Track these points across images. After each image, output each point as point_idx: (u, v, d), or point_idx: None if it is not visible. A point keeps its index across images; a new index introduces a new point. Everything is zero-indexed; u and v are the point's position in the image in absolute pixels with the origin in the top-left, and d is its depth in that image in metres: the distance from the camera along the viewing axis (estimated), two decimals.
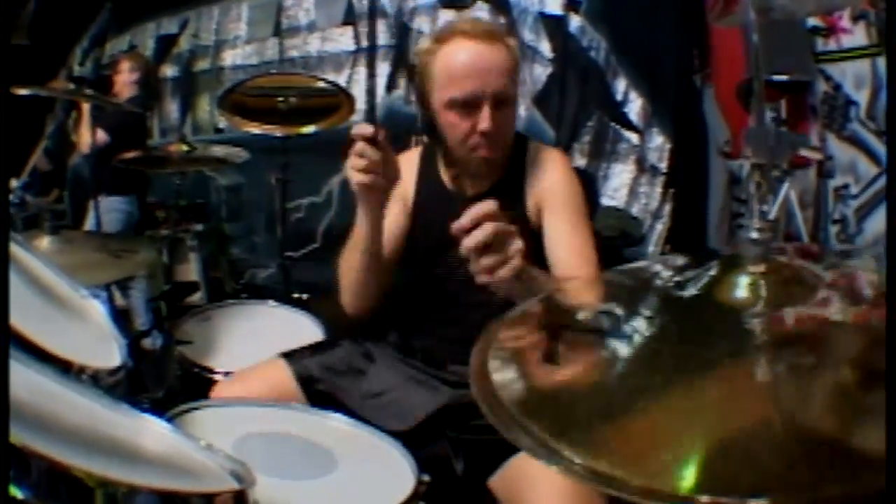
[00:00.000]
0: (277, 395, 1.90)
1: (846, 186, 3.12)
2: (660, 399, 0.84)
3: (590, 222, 2.02)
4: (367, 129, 1.73)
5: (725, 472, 0.72)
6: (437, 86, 1.91)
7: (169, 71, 5.78)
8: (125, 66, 4.71)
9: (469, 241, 1.46)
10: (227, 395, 1.93)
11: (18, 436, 0.74)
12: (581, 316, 1.09)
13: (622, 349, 0.95)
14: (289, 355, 2.05)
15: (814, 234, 3.25)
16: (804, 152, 3.21)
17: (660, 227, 4.04)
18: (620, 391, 0.89)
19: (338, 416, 1.74)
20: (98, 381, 1.25)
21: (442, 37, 1.93)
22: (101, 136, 4.28)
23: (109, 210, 4.23)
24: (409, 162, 2.10)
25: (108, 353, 1.41)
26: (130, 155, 3.60)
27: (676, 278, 1.04)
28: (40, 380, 0.99)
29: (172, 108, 5.71)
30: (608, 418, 0.83)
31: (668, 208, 4.03)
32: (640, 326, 0.98)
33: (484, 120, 1.86)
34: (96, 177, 4.04)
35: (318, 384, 1.97)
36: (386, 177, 1.78)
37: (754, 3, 1.35)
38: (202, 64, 5.56)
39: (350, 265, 1.96)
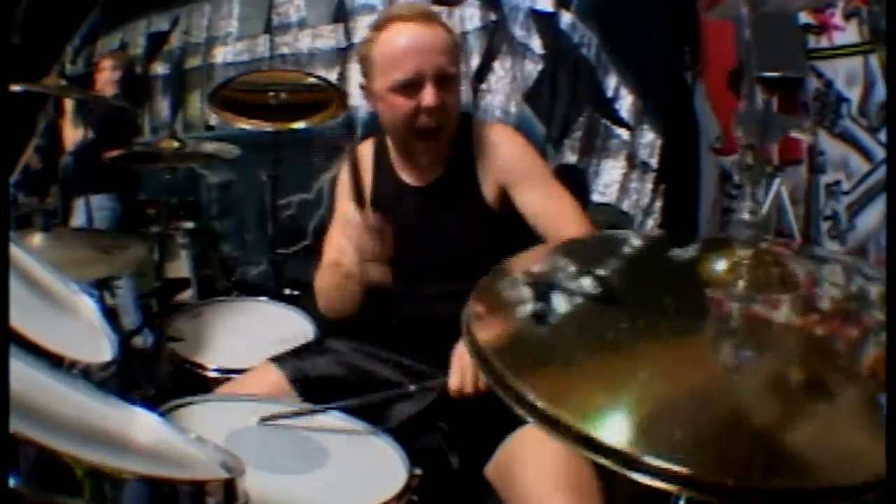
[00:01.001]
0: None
1: (838, 183, 3.13)
2: (616, 354, 0.89)
3: (556, 179, 2.03)
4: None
5: (652, 429, 0.75)
6: (378, 72, 1.93)
7: (160, 68, 5.76)
8: (107, 63, 4.71)
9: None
10: None
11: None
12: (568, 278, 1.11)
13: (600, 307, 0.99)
14: (278, 359, 2.03)
15: (805, 230, 3.26)
16: (795, 134, 3.22)
17: (650, 224, 4.05)
18: (582, 344, 0.93)
19: (330, 410, 1.74)
20: (89, 376, 1.25)
21: (379, 24, 1.96)
22: (87, 133, 4.29)
23: (98, 208, 4.22)
24: (364, 154, 2.13)
25: (100, 348, 1.40)
26: (119, 152, 3.58)
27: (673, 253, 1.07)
28: (30, 372, 0.99)
29: (163, 105, 5.69)
30: (561, 364, 0.88)
31: (658, 204, 4.04)
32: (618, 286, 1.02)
33: (427, 96, 1.87)
34: (83, 174, 4.04)
35: (312, 383, 1.95)
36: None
37: None
38: (193, 61, 5.55)
39: (333, 282, 1.98)
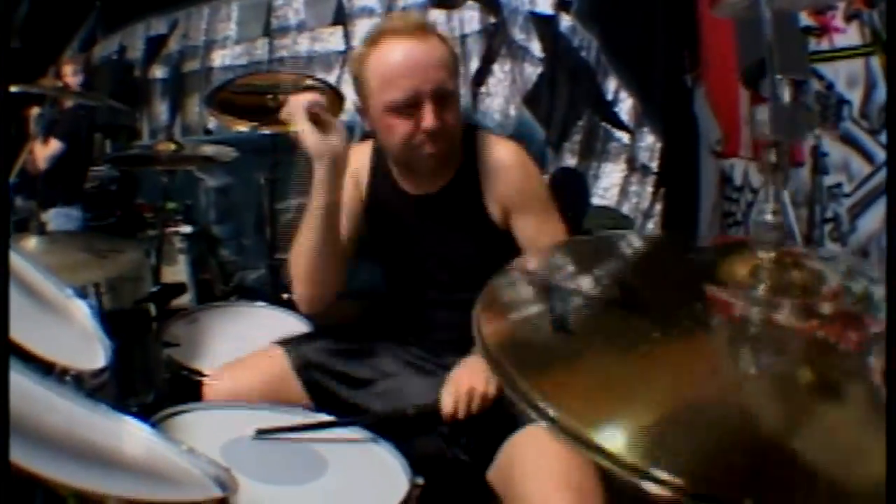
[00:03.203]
0: (274, 385, 1.90)
1: (839, 185, 3.11)
2: (628, 358, 0.86)
3: (556, 210, 1.99)
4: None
5: (664, 442, 0.72)
6: (373, 91, 1.84)
7: (158, 72, 5.77)
8: (68, 69, 4.73)
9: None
10: (222, 385, 1.92)
11: None
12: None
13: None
14: (285, 343, 2.02)
15: (808, 232, 3.24)
16: (819, 132, 3.20)
17: (651, 227, 4.04)
18: (595, 347, 0.90)
19: (329, 418, 1.72)
20: (81, 383, 1.23)
21: (372, 39, 1.86)
22: (56, 144, 4.32)
23: (66, 221, 4.27)
24: (362, 154, 2.06)
25: (93, 354, 1.38)
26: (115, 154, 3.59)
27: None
28: (20, 380, 0.96)
29: (162, 109, 5.70)
30: (572, 368, 0.85)
31: (658, 207, 4.03)
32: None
33: (427, 117, 1.79)
34: (57, 187, 4.07)
35: (315, 372, 1.94)
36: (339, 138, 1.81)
37: None
38: (192, 65, 5.54)
39: (304, 247, 1.93)
